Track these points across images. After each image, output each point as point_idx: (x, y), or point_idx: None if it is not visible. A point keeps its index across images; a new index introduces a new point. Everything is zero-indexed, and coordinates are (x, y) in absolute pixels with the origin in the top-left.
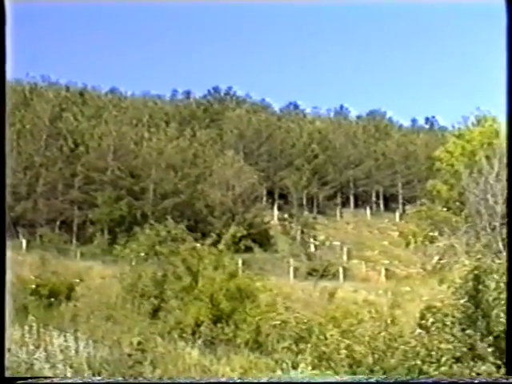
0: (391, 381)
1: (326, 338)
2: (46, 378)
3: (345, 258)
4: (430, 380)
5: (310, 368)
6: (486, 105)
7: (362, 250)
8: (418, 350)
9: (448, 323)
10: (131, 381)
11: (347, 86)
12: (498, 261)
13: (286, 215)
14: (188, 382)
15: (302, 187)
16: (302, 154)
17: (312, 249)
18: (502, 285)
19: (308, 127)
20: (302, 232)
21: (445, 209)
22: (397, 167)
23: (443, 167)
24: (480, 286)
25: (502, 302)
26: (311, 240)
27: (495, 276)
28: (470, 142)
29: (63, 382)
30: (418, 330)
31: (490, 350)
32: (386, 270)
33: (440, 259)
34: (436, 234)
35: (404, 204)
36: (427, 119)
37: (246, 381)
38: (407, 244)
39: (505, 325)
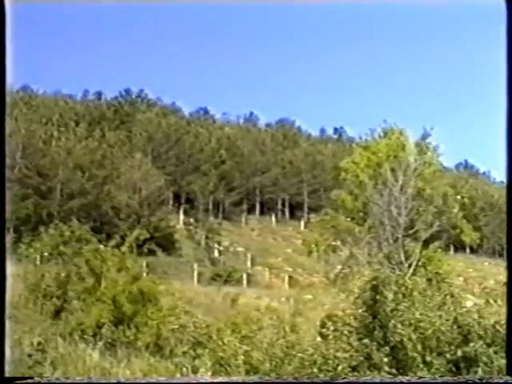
0: (395, 381)
1: (224, 344)
2: (45, 378)
3: (249, 264)
4: (430, 380)
5: (209, 373)
6: (393, 117)
7: (266, 256)
8: (315, 358)
9: (345, 332)
10: (132, 381)
11: (257, 94)
12: (398, 272)
13: (191, 220)
14: (186, 382)
15: (208, 192)
16: (210, 160)
17: (216, 254)
18: (399, 296)
19: (217, 133)
20: (207, 237)
21: (348, 219)
22: (303, 176)
23: (348, 178)
24: (378, 297)
25: (400, 313)
26: (216, 245)
27: (393, 287)
28: (376, 154)
29: (63, 382)
30: (317, 339)
31: (385, 359)
32: (290, 277)
33: (342, 268)
34: (339, 243)
35: (309, 212)
36: (336, 129)
37: (246, 381)
38: (310, 252)
39: (401, 336)
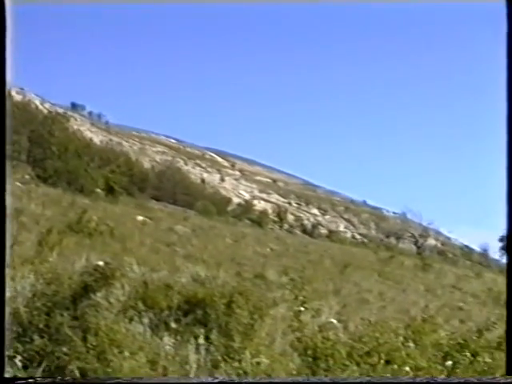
0: (392, 380)
1: None
2: (45, 378)
3: None
4: (430, 380)
5: None
6: None
7: None
8: None
9: None
10: (132, 380)
11: None
12: None
13: None
14: (188, 382)
15: None
16: None
17: None
18: None
19: None
20: None
21: None
22: None
23: None
24: None
25: None
26: None
27: None
28: None
29: (63, 381)
30: None
31: None
32: None
33: None
34: None
35: None
36: None
37: (246, 381)
38: None
39: None
